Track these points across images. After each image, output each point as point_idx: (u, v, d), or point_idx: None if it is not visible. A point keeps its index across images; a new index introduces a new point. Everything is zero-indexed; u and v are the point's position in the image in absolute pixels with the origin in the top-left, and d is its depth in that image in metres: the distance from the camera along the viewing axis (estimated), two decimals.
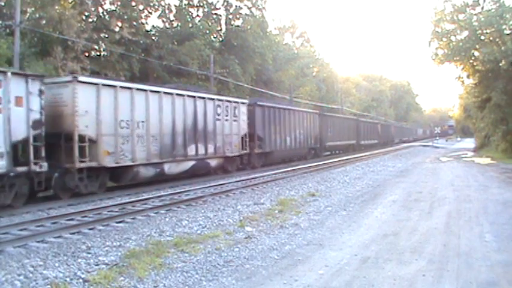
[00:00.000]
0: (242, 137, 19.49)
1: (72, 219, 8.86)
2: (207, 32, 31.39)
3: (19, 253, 6.37)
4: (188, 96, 16.06)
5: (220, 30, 34.93)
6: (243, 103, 19.92)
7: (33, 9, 22.12)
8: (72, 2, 23.26)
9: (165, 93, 14.86)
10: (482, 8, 26.12)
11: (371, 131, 47.60)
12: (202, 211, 9.68)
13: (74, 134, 11.41)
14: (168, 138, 14.83)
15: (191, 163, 16.16)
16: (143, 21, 27.93)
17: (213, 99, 17.58)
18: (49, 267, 5.61)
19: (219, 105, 17.82)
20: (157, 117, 14.33)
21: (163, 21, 31.68)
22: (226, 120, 18.31)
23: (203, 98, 16.92)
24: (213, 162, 17.59)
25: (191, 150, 16.05)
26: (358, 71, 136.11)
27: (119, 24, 25.41)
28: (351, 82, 77.00)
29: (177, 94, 15.43)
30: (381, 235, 7.28)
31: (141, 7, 27.32)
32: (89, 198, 11.86)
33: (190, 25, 31.25)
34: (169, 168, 15.03)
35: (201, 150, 16.63)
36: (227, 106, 18.42)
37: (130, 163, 13.20)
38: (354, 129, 40.70)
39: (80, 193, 11.85)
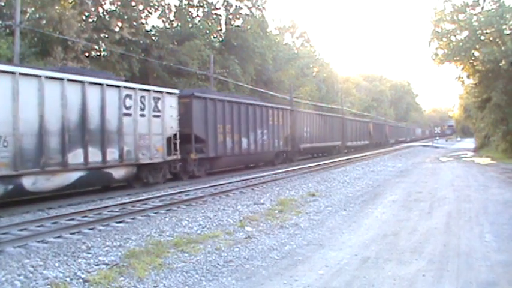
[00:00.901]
0: (169, 138, 15.07)
1: (72, 219, 8.85)
2: (207, 32, 31.41)
3: (19, 253, 6.37)
4: (71, 81, 11.51)
5: (220, 30, 34.94)
6: (170, 93, 15.20)
7: (33, 9, 22.14)
8: (72, 2, 23.27)
9: (23, 74, 10.29)
10: (482, 8, 26.14)
11: (361, 130, 42.89)
12: (202, 211, 9.68)
13: None
14: (30, 140, 10.47)
15: (76, 175, 11.75)
16: (143, 21, 27.96)
17: (117, 86, 13.06)
18: (49, 267, 5.60)
19: (128, 96, 13.31)
20: (9, 109, 9.99)
21: (163, 21, 31.72)
22: (142, 115, 13.80)
23: (99, 84, 12.41)
24: (118, 173, 13.16)
25: (76, 156, 11.60)
26: (358, 71, 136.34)
27: (119, 24, 25.43)
28: (351, 82, 76.97)
29: (48, 77, 10.91)
30: (381, 235, 7.28)
31: (141, 7, 27.34)
32: (88, 197, 11.88)
33: (190, 25, 31.26)
34: (35, 183, 10.68)
35: (95, 157, 12.15)
36: (143, 97, 13.87)
37: None
38: (339, 129, 36.03)
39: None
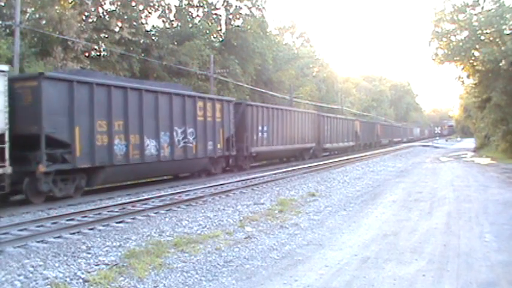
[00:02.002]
0: None
1: (72, 219, 8.86)
2: (207, 32, 31.38)
3: (19, 253, 6.37)
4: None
5: (220, 30, 34.92)
6: None
7: (33, 9, 22.12)
8: (72, 2, 23.25)
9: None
10: (482, 8, 26.12)
11: (343, 130, 36.08)
12: (202, 211, 9.68)
13: None
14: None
15: None
16: (143, 21, 27.92)
17: None
18: (49, 267, 5.61)
19: None
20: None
21: (163, 21, 31.70)
22: None
23: None
24: None
25: None
26: (358, 71, 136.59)
27: (119, 24, 25.40)
28: (351, 82, 77.00)
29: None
30: (381, 235, 7.28)
31: (141, 7, 27.32)
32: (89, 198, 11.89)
33: (190, 25, 31.24)
34: None
35: None
36: None
37: None
38: (314, 128, 29.26)
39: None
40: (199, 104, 16.86)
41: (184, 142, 15.91)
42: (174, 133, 15.37)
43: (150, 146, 14.38)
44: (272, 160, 26.16)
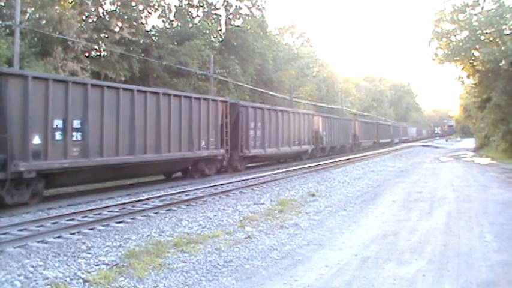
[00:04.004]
0: None
1: (72, 220, 8.85)
2: (207, 32, 31.36)
3: (19, 253, 6.36)
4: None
5: (220, 30, 34.90)
6: None
7: (33, 9, 22.10)
8: (72, 2, 23.25)
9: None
10: (482, 8, 26.15)
11: (294, 129, 24.97)
12: (202, 211, 9.68)
13: None
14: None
15: None
16: (143, 21, 27.89)
17: None
18: (49, 267, 5.60)
19: None
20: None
21: (163, 21, 31.70)
22: None
23: None
24: None
25: None
26: (358, 71, 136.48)
27: (119, 24, 25.39)
28: (351, 82, 77.03)
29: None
30: (381, 235, 7.28)
31: (141, 7, 27.30)
32: (89, 196, 11.87)
33: (190, 25, 31.24)
34: None
35: None
36: None
37: None
38: (232, 129, 19.68)
39: None
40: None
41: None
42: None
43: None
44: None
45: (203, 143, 16.50)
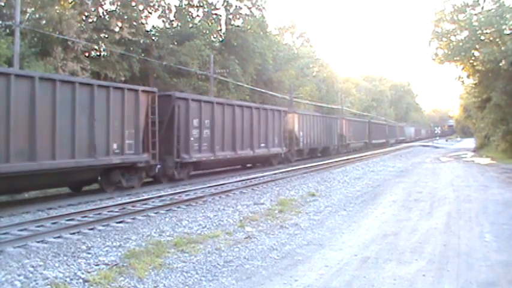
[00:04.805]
0: None
1: (72, 219, 8.85)
2: (207, 32, 31.38)
3: (19, 253, 6.36)
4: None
5: (220, 30, 34.92)
6: None
7: (33, 9, 22.12)
8: (72, 2, 23.26)
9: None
10: (482, 8, 26.16)
11: (264, 129, 20.93)
12: (202, 211, 9.68)
13: None
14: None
15: None
16: (143, 21, 27.93)
17: None
18: (49, 267, 5.60)
19: None
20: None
21: (163, 21, 31.72)
22: None
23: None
24: None
25: None
26: (358, 71, 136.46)
27: (119, 24, 25.41)
28: (351, 82, 77.07)
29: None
30: (381, 235, 7.28)
31: (141, 7, 27.32)
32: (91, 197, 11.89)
33: (190, 25, 31.25)
34: None
35: None
36: None
37: None
38: (139, 127, 14.49)
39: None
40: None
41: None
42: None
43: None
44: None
45: (115, 146, 12.49)
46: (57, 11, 21.36)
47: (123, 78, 24.26)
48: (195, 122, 16.19)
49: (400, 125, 69.91)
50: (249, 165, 22.02)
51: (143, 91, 13.75)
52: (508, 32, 24.24)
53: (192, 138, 15.94)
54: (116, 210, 9.93)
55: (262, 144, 20.81)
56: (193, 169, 16.84)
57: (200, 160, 16.46)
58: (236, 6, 35.42)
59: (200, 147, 16.41)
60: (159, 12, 30.50)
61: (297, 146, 25.94)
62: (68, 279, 5.12)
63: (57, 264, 5.71)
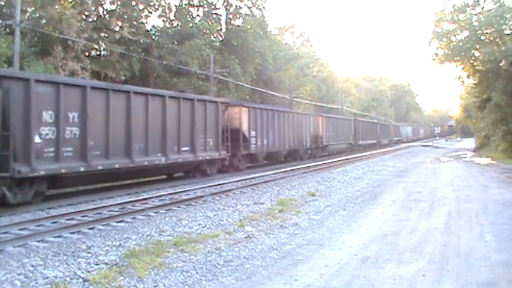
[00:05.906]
0: None
1: (72, 219, 8.84)
2: (207, 31, 31.39)
3: (19, 252, 6.36)
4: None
5: (220, 30, 34.94)
6: None
7: (33, 8, 22.12)
8: (72, 1, 23.26)
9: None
10: (483, 8, 26.14)
11: (187, 127, 15.78)
12: (202, 211, 9.67)
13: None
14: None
15: None
16: (143, 21, 27.93)
17: None
18: (49, 266, 5.60)
19: None
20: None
21: (163, 21, 31.72)
22: None
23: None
24: None
25: None
26: (358, 71, 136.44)
27: (119, 24, 25.41)
28: (351, 82, 77.12)
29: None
30: (381, 235, 7.28)
31: (141, 7, 27.32)
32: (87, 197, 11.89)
33: (190, 25, 31.24)
34: None
35: None
36: None
37: None
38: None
39: None
40: None
41: None
42: None
43: None
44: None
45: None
46: (58, 11, 21.36)
47: (123, 78, 24.25)
48: (47, 116, 10.55)
49: (395, 124, 64.57)
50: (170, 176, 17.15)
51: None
52: (508, 32, 24.23)
53: (35, 141, 10.21)
54: (116, 209, 9.92)
55: (185, 148, 15.68)
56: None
57: (52, 173, 10.62)
58: (236, 5, 35.44)
59: (59, 154, 10.73)
60: (159, 12, 30.52)
61: (246, 150, 20.09)
62: (67, 279, 5.12)
63: (57, 264, 5.71)
